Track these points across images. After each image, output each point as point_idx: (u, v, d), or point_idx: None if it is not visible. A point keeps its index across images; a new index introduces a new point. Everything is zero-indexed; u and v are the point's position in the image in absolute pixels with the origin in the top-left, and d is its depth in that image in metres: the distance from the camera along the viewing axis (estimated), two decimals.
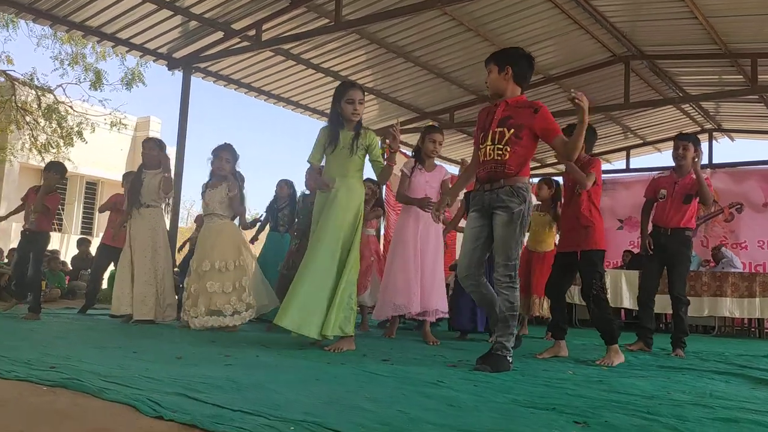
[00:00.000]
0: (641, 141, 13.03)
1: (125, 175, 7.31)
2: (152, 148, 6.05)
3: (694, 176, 4.96)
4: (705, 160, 12.28)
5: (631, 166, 13.19)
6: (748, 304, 7.89)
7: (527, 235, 6.09)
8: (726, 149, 24.71)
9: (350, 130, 4.17)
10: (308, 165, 6.00)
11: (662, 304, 5.85)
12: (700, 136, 12.46)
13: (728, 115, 11.84)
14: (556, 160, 13.90)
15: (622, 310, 8.84)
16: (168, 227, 8.45)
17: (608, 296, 4.48)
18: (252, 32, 8.38)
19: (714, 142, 12.52)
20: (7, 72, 13.16)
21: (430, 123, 5.84)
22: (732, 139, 12.90)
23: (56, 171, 6.24)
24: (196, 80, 9.19)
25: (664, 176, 5.17)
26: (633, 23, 8.58)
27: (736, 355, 5.09)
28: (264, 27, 8.29)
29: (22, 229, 6.22)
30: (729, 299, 7.92)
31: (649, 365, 4.07)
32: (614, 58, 9.58)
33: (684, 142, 5.04)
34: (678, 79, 10.33)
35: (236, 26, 8.39)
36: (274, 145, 58.48)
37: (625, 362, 4.09)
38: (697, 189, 4.89)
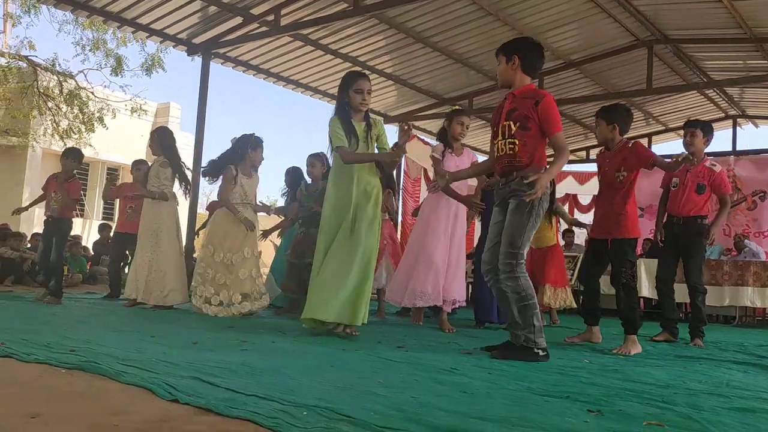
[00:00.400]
0: (663, 127, 12.86)
1: (134, 163, 7.30)
2: (151, 141, 6.17)
3: (707, 164, 4.89)
4: (729, 147, 12.12)
5: None
6: None
7: None
8: (750, 136, 24.31)
9: (360, 120, 4.15)
10: (308, 155, 6.04)
11: (682, 293, 5.81)
12: (723, 123, 12.37)
13: (753, 101, 11.63)
14: (574, 148, 13.78)
15: (642, 299, 8.76)
16: (187, 212, 8.56)
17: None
18: (271, 17, 8.37)
19: (738, 128, 12.31)
20: (29, 57, 13.30)
21: (456, 107, 5.72)
22: (756, 125, 12.68)
23: (73, 157, 6.31)
24: (215, 65, 9.21)
25: None
26: (656, 6, 8.43)
27: (755, 345, 5.03)
28: (283, 12, 8.28)
29: (45, 217, 6.28)
30: (750, 288, 7.82)
31: (665, 354, 4.04)
32: (637, 42, 9.43)
33: (691, 129, 4.95)
34: (702, 64, 10.15)
35: (255, 11, 8.38)
36: (292, 130, 58.62)
37: (642, 352, 4.07)
38: (710, 179, 4.85)
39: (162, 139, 6.03)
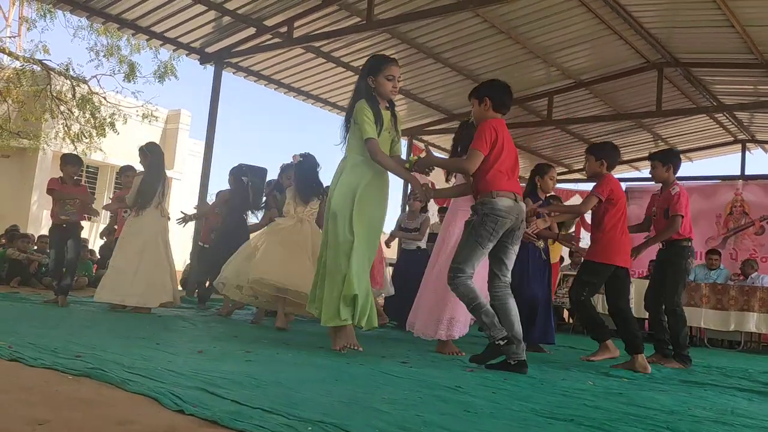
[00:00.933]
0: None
1: (122, 169, 7.17)
2: (141, 155, 6.16)
3: (671, 191, 4.96)
4: (737, 171, 12.11)
5: None
6: None
7: None
8: (759, 160, 24.23)
9: (385, 109, 3.86)
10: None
11: (690, 315, 5.94)
12: (732, 147, 12.36)
13: (763, 126, 11.64)
14: (582, 167, 13.78)
15: (646, 321, 8.73)
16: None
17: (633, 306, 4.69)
18: (284, 29, 8.45)
19: (747, 153, 12.30)
20: (44, 61, 13.41)
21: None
22: (766, 150, 12.67)
23: (74, 163, 6.40)
24: (226, 74, 9.29)
25: (656, 194, 5.24)
26: (668, 30, 8.47)
27: (760, 372, 4.99)
28: (296, 24, 8.36)
29: (58, 222, 6.23)
30: (756, 314, 7.77)
31: (670, 379, 4.03)
32: (648, 64, 9.46)
33: (651, 162, 5.15)
34: (712, 88, 10.17)
35: (268, 23, 8.46)
36: (301, 140, 58.80)
37: (647, 375, 4.05)
38: (668, 204, 4.91)
39: (152, 155, 6.06)
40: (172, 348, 3.35)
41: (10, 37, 14.46)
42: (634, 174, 13.66)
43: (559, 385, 3.25)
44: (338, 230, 3.72)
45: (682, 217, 4.85)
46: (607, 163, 4.55)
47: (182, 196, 17.73)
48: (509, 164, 3.62)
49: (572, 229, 6.68)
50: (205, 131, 9.13)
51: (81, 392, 2.09)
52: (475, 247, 3.54)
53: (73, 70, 13.52)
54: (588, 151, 4.73)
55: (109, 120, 14.04)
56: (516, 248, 3.67)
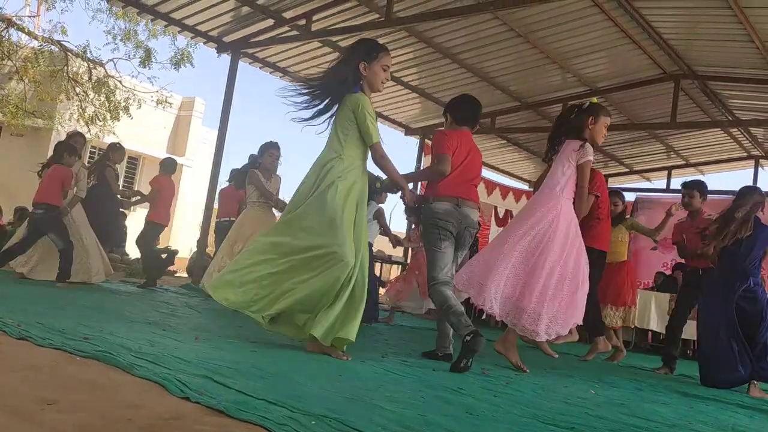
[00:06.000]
0: (684, 162, 12.80)
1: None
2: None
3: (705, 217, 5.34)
4: None
5: (672, 187, 12.94)
6: None
7: None
8: None
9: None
10: None
11: (691, 330, 6.00)
12: (745, 162, 12.30)
13: None
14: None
15: (650, 332, 8.73)
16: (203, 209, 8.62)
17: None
18: (302, 22, 8.45)
19: (759, 169, 12.23)
20: (62, 42, 13.46)
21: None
22: None
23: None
24: (241, 64, 9.29)
25: (682, 221, 5.60)
26: (687, 42, 8.42)
27: (764, 390, 4.97)
28: (314, 18, 8.35)
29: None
30: None
31: (672, 392, 4.02)
32: (664, 75, 9.40)
33: (687, 190, 5.54)
34: (728, 103, 10.11)
35: (287, 15, 8.46)
36: (311, 133, 58.79)
37: (649, 386, 4.05)
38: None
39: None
40: (178, 335, 3.36)
41: (29, 17, 14.51)
42: (645, 184, 13.63)
43: (561, 392, 3.25)
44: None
45: None
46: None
47: (192, 183, 17.77)
48: (459, 172, 3.87)
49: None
50: (219, 120, 9.15)
51: (88, 374, 2.11)
52: (431, 251, 3.81)
53: (90, 52, 13.58)
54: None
55: (123, 104, 14.08)
56: (461, 252, 3.98)
